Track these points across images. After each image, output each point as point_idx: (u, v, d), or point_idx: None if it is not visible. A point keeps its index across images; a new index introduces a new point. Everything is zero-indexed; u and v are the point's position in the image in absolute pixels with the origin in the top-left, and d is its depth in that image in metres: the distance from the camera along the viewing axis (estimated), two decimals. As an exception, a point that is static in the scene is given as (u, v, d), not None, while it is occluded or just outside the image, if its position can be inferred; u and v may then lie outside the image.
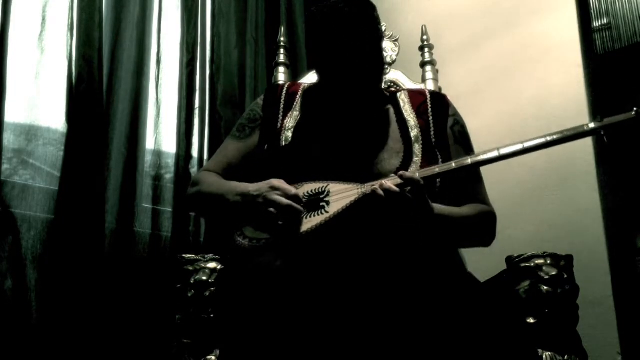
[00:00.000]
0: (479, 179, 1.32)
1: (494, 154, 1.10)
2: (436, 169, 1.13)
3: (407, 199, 1.05)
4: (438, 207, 1.14)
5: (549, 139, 1.08)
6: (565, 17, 1.98)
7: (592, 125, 1.05)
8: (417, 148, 1.25)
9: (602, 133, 1.04)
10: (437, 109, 1.35)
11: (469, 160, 1.12)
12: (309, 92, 1.40)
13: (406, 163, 1.21)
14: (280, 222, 1.10)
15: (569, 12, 1.98)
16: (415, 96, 1.39)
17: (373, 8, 1.28)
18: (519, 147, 1.09)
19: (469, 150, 1.33)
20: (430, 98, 1.37)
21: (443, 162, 1.22)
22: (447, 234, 1.17)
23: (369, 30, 1.25)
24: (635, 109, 1.03)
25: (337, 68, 1.25)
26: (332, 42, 1.23)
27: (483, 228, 1.26)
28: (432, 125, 1.31)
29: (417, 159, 1.22)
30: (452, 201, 1.23)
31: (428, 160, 1.22)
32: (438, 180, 1.22)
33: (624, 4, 1.97)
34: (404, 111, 1.34)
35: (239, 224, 1.18)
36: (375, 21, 1.28)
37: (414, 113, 1.33)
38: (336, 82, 1.27)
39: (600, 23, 2.00)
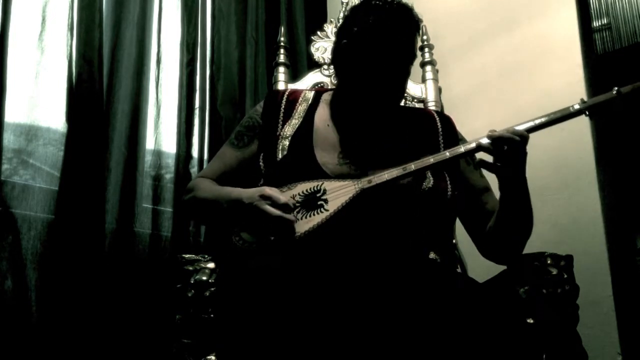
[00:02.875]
0: (492, 191, 1.32)
1: (485, 140, 1.12)
2: (431, 159, 1.14)
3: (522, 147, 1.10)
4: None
5: (537, 122, 1.13)
6: (565, 17, 1.98)
7: (576, 106, 1.10)
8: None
9: (587, 113, 1.10)
10: (446, 130, 1.35)
11: (462, 149, 1.14)
12: (310, 99, 1.38)
13: (418, 178, 1.20)
14: (272, 231, 1.10)
15: (569, 12, 1.98)
16: (423, 116, 1.40)
17: (419, 25, 1.28)
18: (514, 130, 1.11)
19: (477, 169, 1.33)
20: (440, 120, 1.37)
21: (451, 182, 1.23)
22: (527, 201, 1.19)
23: (412, 48, 1.26)
24: (616, 88, 1.08)
25: (367, 77, 1.23)
26: (374, 51, 1.21)
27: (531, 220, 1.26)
28: (442, 144, 1.31)
29: (428, 173, 1.21)
30: (474, 218, 1.26)
31: (437, 176, 1.21)
32: (449, 190, 1.22)
33: (624, 4, 1.97)
34: (411, 127, 1.33)
35: (234, 228, 1.18)
36: (417, 37, 1.28)
37: (422, 131, 1.33)
38: (361, 90, 1.25)
39: (600, 23, 2.00)
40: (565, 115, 1.11)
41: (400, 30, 1.22)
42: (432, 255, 1.19)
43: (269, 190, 1.14)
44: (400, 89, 1.30)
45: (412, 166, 1.13)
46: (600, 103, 1.09)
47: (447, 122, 1.38)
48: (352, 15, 1.29)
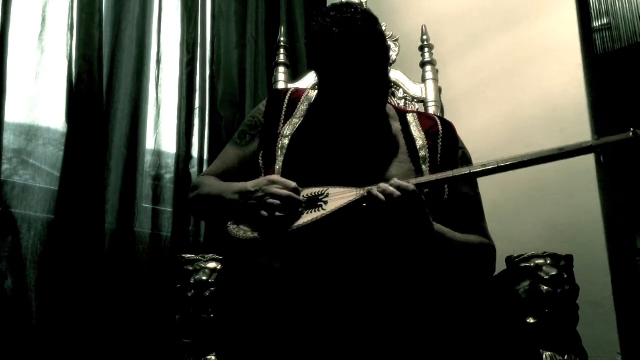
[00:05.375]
0: (479, 209, 1.30)
1: (492, 166, 1.10)
2: (433, 177, 1.13)
3: (403, 204, 1.05)
4: (438, 226, 1.13)
5: (546, 154, 1.09)
6: (565, 17, 1.98)
7: (590, 143, 1.07)
8: (425, 169, 1.24)
9: (599, 151, 1.07)
10: (447, 136, 1.33)
11: (468, 170, 1.12)
12: (312, 100, 1.38)
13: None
14: (278, 214, 1.10)
15: (569, 12, 1.98)
16: (424, 119, 1.37)
17: (375, 21, 1.23)
18: (517, 160, 1.09)
19: (473, 181, 1.30)
20: (441, 124, 1.36)
21: (448, 187, 1.22)
22: (444, 255, 1.15)
23: (374, 48, 1.21)
24: (632, 129, 1.04)
25: (340, 89, 1.22)
26: (334, 63, 1.20)
27: (482, 259, 1.23)
28: (440, 148, 1.29)
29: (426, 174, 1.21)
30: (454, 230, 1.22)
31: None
32: (446, 194, 1.22)
33: (624, 4, 1.97)
34: (412, 130, 1.32)
35: (235, 221, 1.18)
36: (378, 35, 1.23)
37: (423, 134, 1.31)
38: (340, 101, 1.24)
39: (600, 23, 2.00)
40: (578, 150, 1.08)
41: (350, 35, 1.17)
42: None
43: (278, 177, 1.16)
44: (376, 92, 1.25)
45: (411, 181, 1.12)
46: (614, 142, 1.06)
47: (448, 126, 1.36)
48: (310, 37, 1.27)
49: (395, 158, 1.25)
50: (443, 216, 1.16)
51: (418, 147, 1.28)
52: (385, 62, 1.26)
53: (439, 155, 1.28)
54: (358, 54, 1.18)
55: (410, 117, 1.37)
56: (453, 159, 1.29)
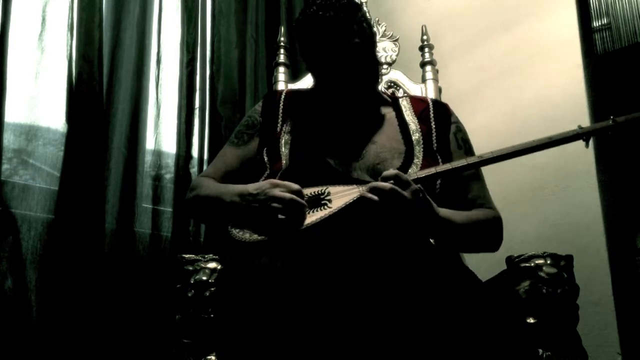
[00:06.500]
0: (480, 181, 1.32)
1: (488, 156, 1.16)
2: (433, 170, 1.16)
3: (401, 198, 1.05)
4: (443, 211, 1.15)
5: (537, 143, 1.18)
6: (565, 17, 1.98)
7: (576, 130, 1.18)
8: (418, 150, 1.26)
9: (584, 138, 1.17)
10: (439, 116, 1.36)
11: (465, 161, 1.17)
12: (306, 97, 1.41)
13: (407, 164, 1.22)
14: (282, 217, 1.10)
15: (569, 12, 1.98)
16: (417, 102, 1.41)
17: (357, 8, 1.28)
18: (511, 149, 1.17)
19: (471, 154, 1.34)
20: (433, 105, 1.39)
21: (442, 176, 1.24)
22: (453, 237, 1.18)
23: (355, 32, 1.25)
24: (612, 117, 1.16)
25: (328, 74, 1.27)
26: (319, 49, 1.24)
27: (490, 232, 1.26)
28: (434, 131, 1.32)
29: (417, 160, 1.23)
30: (456, 204, 1.23)
31: (429, 163, 1.23)
32: (438, 183, 1.23)
33: (624, 4, 1.97)
34: (405, 115, 1.35)
35: (236, 224, 1.18)
36: (361, 20, 1.27)
37: (416, 118, 1.34)
38: (330, 87, 1.29)
39: (600, 23, 2.00)
40: (565, 138, 1.18)
41: (330, 22, 1.22)
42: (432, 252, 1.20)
43: (279, 181, 1.15)
44: (363, 74, 1.28)
45: (412, 175, 1.16)
46: (596, 130, 1.19)
47: (441, 106, 1.40)
48: (296, 27, 1.31)
49: (389, 143, 1.27)
50: (441, 203, 1.17)
51: (411, 131, 1.30)
52: (362, 40, 1.27)
53: (434, 138, 1.31)
54: (331, 37, 1.22)
55: (403, 102, 1.39)
56: (446, 138, 1.32)
